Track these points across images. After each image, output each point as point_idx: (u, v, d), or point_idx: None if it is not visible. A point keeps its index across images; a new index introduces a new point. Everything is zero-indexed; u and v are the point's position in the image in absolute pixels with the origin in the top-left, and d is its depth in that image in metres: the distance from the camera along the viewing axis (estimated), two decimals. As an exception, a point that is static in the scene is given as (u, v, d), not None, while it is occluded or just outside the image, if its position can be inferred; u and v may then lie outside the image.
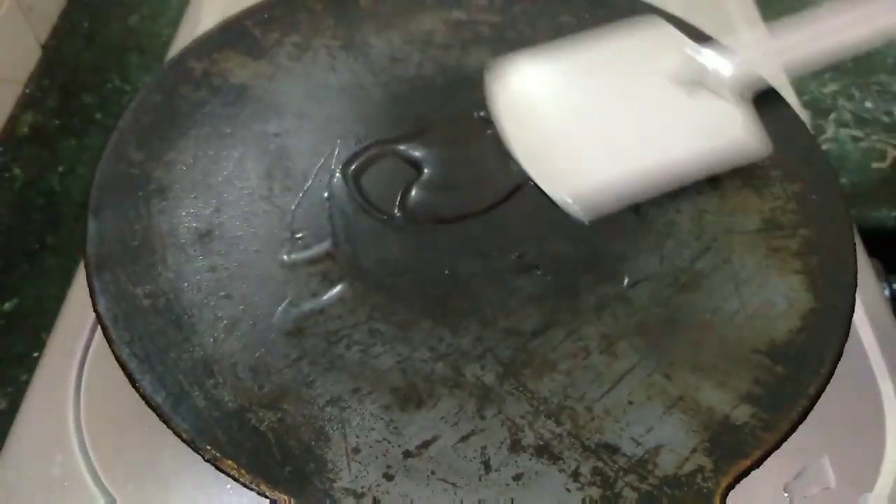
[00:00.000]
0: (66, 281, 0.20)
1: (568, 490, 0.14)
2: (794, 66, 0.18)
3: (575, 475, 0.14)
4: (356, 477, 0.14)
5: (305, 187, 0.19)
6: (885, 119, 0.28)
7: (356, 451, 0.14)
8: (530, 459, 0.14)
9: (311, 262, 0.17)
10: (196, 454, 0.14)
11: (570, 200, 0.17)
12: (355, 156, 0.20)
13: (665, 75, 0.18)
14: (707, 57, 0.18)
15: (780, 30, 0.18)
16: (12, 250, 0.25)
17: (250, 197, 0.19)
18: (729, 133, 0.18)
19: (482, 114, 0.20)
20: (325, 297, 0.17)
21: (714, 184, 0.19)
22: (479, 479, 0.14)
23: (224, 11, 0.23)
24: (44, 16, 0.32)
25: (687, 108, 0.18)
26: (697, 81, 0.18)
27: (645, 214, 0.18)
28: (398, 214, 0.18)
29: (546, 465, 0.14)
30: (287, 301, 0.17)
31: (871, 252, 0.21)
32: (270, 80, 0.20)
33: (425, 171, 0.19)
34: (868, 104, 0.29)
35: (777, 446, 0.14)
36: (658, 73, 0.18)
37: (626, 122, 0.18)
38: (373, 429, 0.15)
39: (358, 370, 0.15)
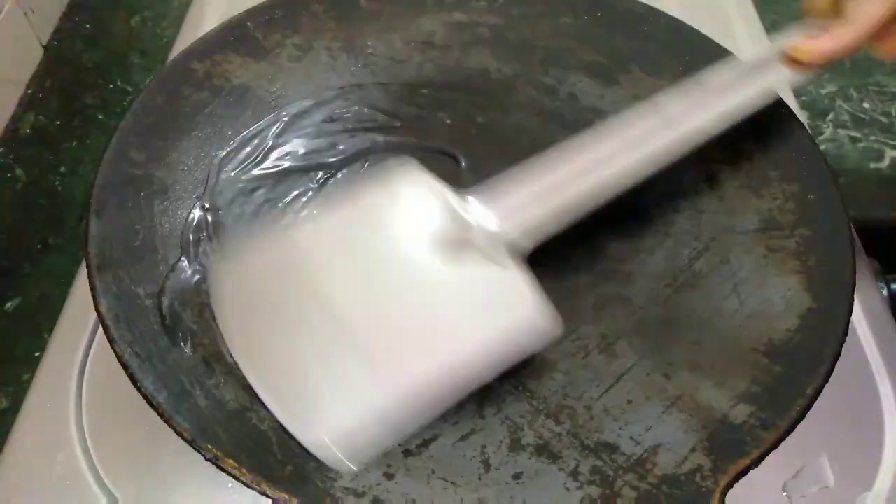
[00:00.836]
0: (68, 281, 0.21)
1: (567, 489, 0.14)
2: (565, 212, 0.14)
3: (574, 474, 0.14)
4: (357, 476, 0.14)
5: (306, 188, 0.19)
6: (883, 120, 0.29)
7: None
8: (530, 458, 0.14)
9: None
10: (197, 453, 0.14)
11: (326, 444, 0.12)
12: (357, 157, 0.20)
13: (426, 240, 0.13)
14: (471, 209, 0.14)
15: (544, 169, 0.14)
16: (14, 250, 0.26)
17: (252, 198, 0.19)
18: (510, 311, 0.13)
19: (480, 119, 0.20)
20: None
21: (712, 184, 0.19)
22: (479, 478, 0.14)
23: (226, 13, 0.23)
24: (45, 17, 0.33)
25: (457, 282, 0.13)
26: (464, 241, 0.13)
27: (644, 214, 0.18)
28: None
29: (545, 463, 0.14)
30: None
31: (869, 252, 0.21)
32: (272, 81, 0.21)
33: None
34: (866, 105, 0.29)
35: (776, 445, 0.14)
36: (417, 238, 0.13)
37: (383, 320, 0.13)
38: (373, 428, 0.15)
39: (358, 370, 0.16)
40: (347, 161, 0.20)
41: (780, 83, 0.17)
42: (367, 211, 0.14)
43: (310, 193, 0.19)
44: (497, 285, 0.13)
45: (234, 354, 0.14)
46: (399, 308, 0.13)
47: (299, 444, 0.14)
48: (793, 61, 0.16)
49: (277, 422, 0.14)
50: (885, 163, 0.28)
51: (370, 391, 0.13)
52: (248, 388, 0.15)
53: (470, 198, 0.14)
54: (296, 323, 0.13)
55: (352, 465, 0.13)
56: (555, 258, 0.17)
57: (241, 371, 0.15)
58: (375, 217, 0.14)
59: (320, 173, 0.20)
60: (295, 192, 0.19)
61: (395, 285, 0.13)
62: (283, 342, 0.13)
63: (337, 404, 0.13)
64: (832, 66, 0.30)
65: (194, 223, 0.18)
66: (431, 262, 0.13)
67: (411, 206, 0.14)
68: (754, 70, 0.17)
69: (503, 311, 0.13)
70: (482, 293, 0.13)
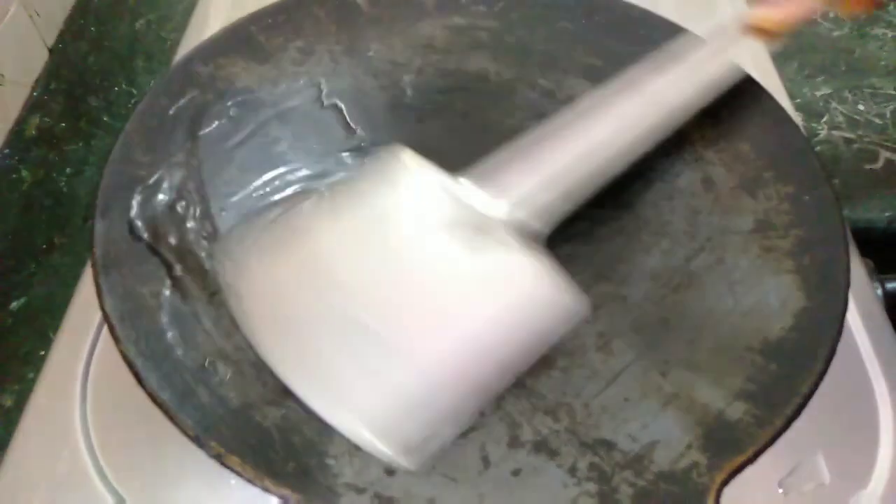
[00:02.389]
0: (73, 280, 0.21)
1: (565, 485, 0.14)
2: (574, 192, 0.13)
3: (572, 470, 0.14)
4: (358, 472, 0.14)
5: (308, 190, 0.19)
6: (878, 121, 0.29)
7: (358, 446, 0.14)
8: (528, 455, 0.15)
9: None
10: (201, 451, 0.14)
11: (367, 435, 0.12)
12: (359, 158, 0.20)
13: (438, 230, 0.13)
14: (474, 194, 0.13)
15: (552, 149, 0.14)
16: (20, 250, 0.26)
17: (255, 199, 0.19)
18: (531, 292, 0.13)
19: (479, 121, 0.20)
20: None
21: (708, 185, 0.19)
22: (479, 474, 0.14)
23: (229, 16, 0.23)
24: (50, 19, 0.33)
25: (474, 267, 0.13)
26: (476, 228, 0.13)
27: (640, 215, 0.18)
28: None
29: (544, 460, 0.14)
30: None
31: (864, 252, 0.21)
32: (275, 84, 0.21)
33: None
34: (860, 107, 0.29)
35: (771, 443, 0.14)
36: (425, 227, 0.13)
37: (404, 308, 0.12)
38: (374, 425, 0.15)
39: (360, 367, 0.16)
40: (345, 162, 0.20)
41: (746, 51, 0.16)
42: (376, 206, 0.14)
43: (311, 192, 0.19)
44: (513, 268, 0.13)
45: (259, 350, 0.13)
46: (418, 296, 0.13)
47: (302, 441, 0.14)
48: (760, 31, 0.16)
49: (280, 419, 0.14)
50: (880, 164, 0.28)
51: (399, 377, 0.12)
52: (252, 386, 0.15)
53: (470, 183, 0.14)
54: (318, 315, 0.13)
55: (406, 462, 0.12)
56: (552, 257, 0.18)
57: (245, 369, 0.15)
58: (386, 211, 0.14)
59: (321, 173, 0.20)
60: (295, 191, 0.19)
61: (414, 274, 0.13)
62: (308, 334, 0.13)
63: (369, 393, 0.12)
64: (827, 69, 0.30)
65: (195, 222, 0.18)
66: (447, 251, 0.13)
67: (419, 199, 0.14)
68: (721, 42, 0.17)
69: (523, 293, 0.13)
70: (500, 277, 0.13)
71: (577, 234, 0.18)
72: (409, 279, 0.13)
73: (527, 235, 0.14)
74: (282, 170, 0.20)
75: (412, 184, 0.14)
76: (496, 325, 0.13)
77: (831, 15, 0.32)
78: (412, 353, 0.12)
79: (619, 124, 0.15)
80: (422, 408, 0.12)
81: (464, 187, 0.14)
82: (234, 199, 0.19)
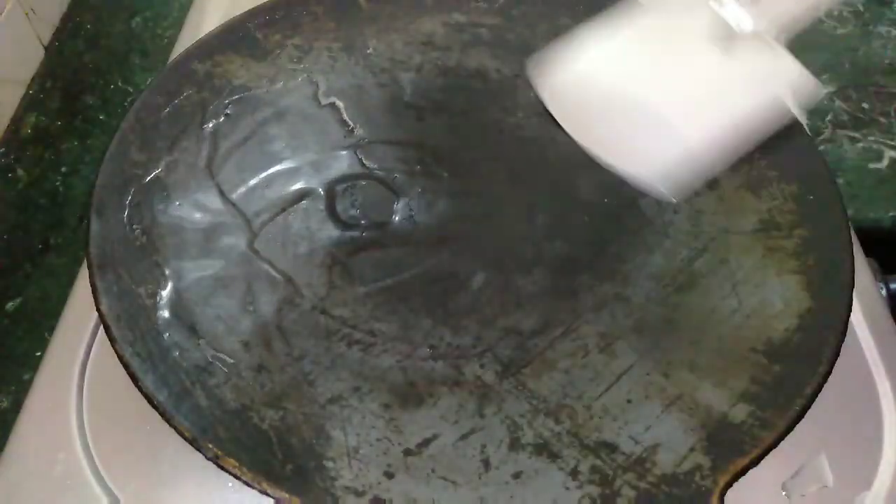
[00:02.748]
0: (69, 280, 0.20)
1: (567, 488, 0.14)
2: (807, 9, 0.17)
3: (574, 473, 0.14)
4: (357, 475, 0.14)
5: (307, 188, 0.19)
6: (882, 120, 0.29)
7: (357, 449, 0.14)
8: (529, 458, 0.14)
9: (311, 262, 0.17)
10: (198, 453, 0.14)
11: (657, 181, 0.17)
12: (357, 157, 0.20)
13: (699, 35, 0.17)
14: (729, 11, 0.17)
15: None
16: (16, 250, 0.25)
17: (252, 197, 0.19)
18: (777, 81, 0.17)
19: (479, 119, 0.20)
20: (326, 297, 0.17)
21: (712, 185, 0.19)
22: (479, 477, 0.14)
23: (226, 14, 0.23)
24: (46, 17, 0.33)
25: (730, 65, 0.17)
26: (730, 36, 0.17)
27: (643, 215, 0.18)
28: (397, 219, 0.18)
29: (545, 463, 0.14)
30: (287, 300, 0.17)
31: (868, 252, 0.21)
32: (272, 82, 0.21)
33: (425, 176, 0.19)
34: (865, 105, 0.29)
35: (775, 445, 0.14)
36: (692, 33, 0.18)
37: (682, 92, 0.18)
38: (373, 427, 0.15)
39: (359, 369, 0.16)
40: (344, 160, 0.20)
41: None
42: (646, 25, 0.18)
43: (311, 191, 0.19)
44: (765, 65, 0.17)
45: (568, 132, 0.18)
46: (691, 87, 0.17)
47: (300, 443, 0.14)
48: None
49: (278, 420, 0.14)
50: (884, 163, 0.28)
51: (679, 142, 0.17)
52: (249, 388, 0.15)
53: (728, 2, 0.18)
54: (615, 104, 0.18)
55: (671, 196, 0.17)
56: (555, 258, 0.18)
57: (242, 370, 0.15)
58: (656, 27, 0.18)
59: (319, 171, 0.20)
60: (295, 189, 0.19)
61: (686, 70, 0.18)
62: (609, 117, 0.18)
63: (656, 153, 0.17)
64: (831, 67, 0.30)
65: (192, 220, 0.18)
66: (711, 53, 0.17)
67: (684, 8, 0.18)
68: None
69: (772, 79, 0.17)
70: (756, 69, 0.17)
71: (580, 234, 0.18)
72: (685, 75, 0.18)
73: (775, 37, 0.17)
74: (279, 168, 0.19)
75: (677, 7, 0.18)
76: (752, 103, 0.17)
77: (835, 12, 0.31)
78: (684, 128, 0.17)
79: None
80: (687, 165, 0.17)
81: (722, 3, 0.18)
82: (232, 196, 0.19)
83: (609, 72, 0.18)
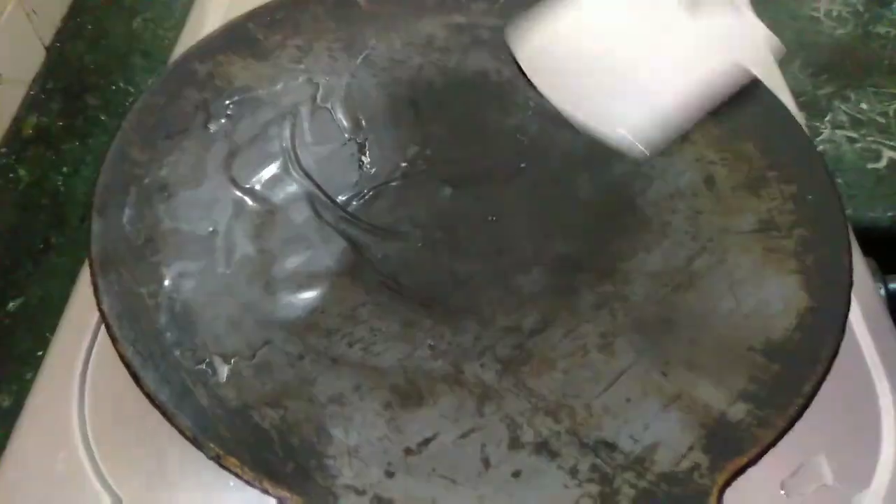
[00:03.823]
0: (71, 280, 0.20)
1: (566, 487, 0.14)
2: None
3: (573, 472, 0.14)
4: (358, 474, 0.14)
5: (307, 190, 0.19)
6: (881, 120, 0.29)
7: (357, 448, 0.14)
8: (529, 456, 0.14)
9: (314, 262, 0.18)
10: (200, 452, 0.14)
11: (629, 137, 0.18)
12: (357, 158, 0.20)
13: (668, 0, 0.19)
14: None
15: None
16: (17, 250, 0.26)
17: (253, 198, 0.19)
18: (742, 42, 0.18)
19: (479, 120, 0.20)
20: (328, 296, 0.17)
21: (710, 185, 0.19)
22: (479, 476, 0.14)
23: (227, 14, 0.23)
24: (48, 18, 0.33)
25: (696, 27, 0.18)
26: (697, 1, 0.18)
27: (642, 214, 0.18)
28: (396, 219, 0.18)
29: (545, 462, 0.14)
30: (289, 300, 0.17)
31: (867, 251, 0.21)
32: (273, 82, 0.21)
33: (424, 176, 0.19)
34: (863, 105, 0.29)
35: (773, 444, 0.14)
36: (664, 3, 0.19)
37: (652, 53, 0.19)
38: (374, 426, 0.15)
39: (359, 368, 0.16)
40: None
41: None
42: None
43: (311, 193, 0.19)
44: (730, 28, 0.18)
45: (542, 91, 0.19)
46: (660, 48, 0.19)
47: (301, 442, 0.14)
48: None
49: (279, 419, 0.14)
50: (883, 163, 0.28)
51: (649, 101, 0.18)
52: (250, 387, 0.15)
53: None
54: (587, 65, 0.19)
55: (645, 150, 0.18)
56: (554, 257, 0.18)
57: (243, 369, 0.15)
58: None
59: (318, 170, 0.20)
60: (295, 191, 0.19)
61: (655, 31, 0.19)
62: (583, 78, 0.19)
63: (628, 110, 0.18)
64: (830, 67, 0.30)
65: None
66: (679, 15, 0.18)
67: None
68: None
69: (738, 42, 0.18)
70: (722, 30, 0.18)
71: (580, 233, 0.18)
72: (653, 37, 0.19)
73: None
74: (280, 169, 0.19)
75: None
76: (718, 66, 0.18)
77: (834, 13, 0.32)
78: (654, 87, 0.18)
79: None
80: (657, 123, 0.18)
81: None
82: (234, 196, 0.19)
83: (582, 34, 0.19)
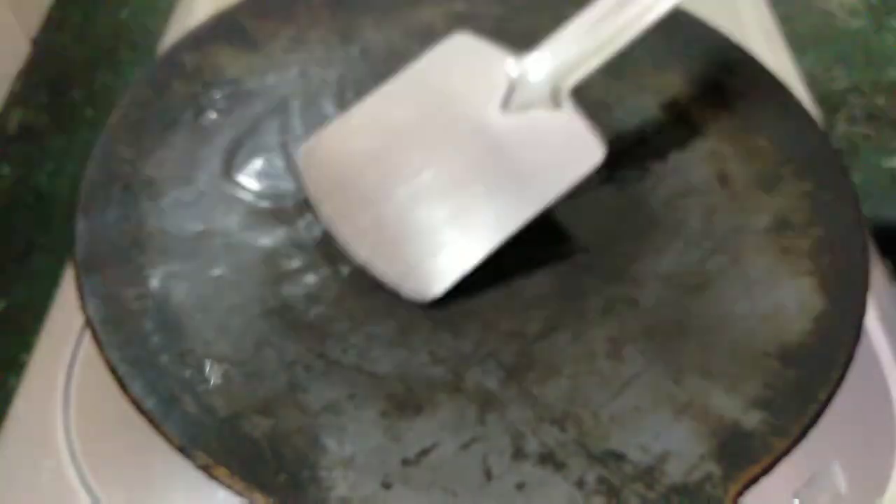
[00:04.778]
0: (55, 282, 0.20)
1: (572, 499, 0.14)
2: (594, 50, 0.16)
3: (580, 484, 0.14)
4: (353, 486, 0.13)
5: (300, 185, 0.18)
6: (896, 116, 0.28)
7: (353, 458, 0.14)
8: (533, 467, 0.14)
9: (308, 264, 0.17)
10: (188, 461, 0.13)
11: (410, 289, 0.15)
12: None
13: (485, 99, 0.16)
14: (514, 66, 0.16)
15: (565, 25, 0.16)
16: (0, 251, 0.25)
17: (245, 195, 0.18)
18: (567, 150, 0.15)
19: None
20: (322, 300, 0.16)
21: (723, 182, 0.18)
22: (480, 488, 0.14)
23: (217, 4, 0.22)
24: (33, 10, 0.32)
25: (516, 130, 0.15)
26: (514, 92, 0.15)
27: (653, 213, 0.18)
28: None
29: (550, 473, 0.14)
30: (282, 304, 0.16)
31: (884, 252, 0.20)
32: (265, 74, 0.20)
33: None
34: (879, 101, 0.28)
35: (788, 452, 0.14)
36: (477, 98, 0.16)
37: (457, 172, 0.15)
38: (370, 436, 0.14)
39: (354, 375, 0.15)
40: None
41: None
42: (424, 78, 0.16)
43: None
44: (551, 127, 0.16)
45: (327, 225, 0.16)
46: (470, 163, 0.15)
47: (293, 452, 0.13)
48: None
49: (270, 429, 0.14)
50: (899, 160, 0.27)
51: (461, 248, 0.15)
52: (240, 395, 0.14)
53: (513, 59, 0.16)
54: (380, 192, 0.15)
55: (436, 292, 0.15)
56: (560, 259, 0.17)
57: (233, 376, 0.14)
58: (434, 82, 0.16)
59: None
60: (289, 188, 0.18)
61: (463, 142, 0.16)
62: (371, 211, 0.15)
63: (434, 262, 0.15)
64: (844, 61, 0.30)
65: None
66: (491, 116, 0.15)
67: (468, 70, 0.16)
68: None
69: (561, 151, 0.15)
70: (539, 137, 0.16)
71: (588, 234, 0.17)
72: (461, 148, 0.16)
73: (560, 93, 0.16)
74: (273, 165, 0.19)
75: (460, 59, 0.16)
76: (542, 181, 0.15)
77: (848, 6, 0.31)
78: (471, 226, 0.15)
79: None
80: (461, 265, 0.15)
81: (509, 60, 0.16)
82: (225, 194, 0.18)
83: (378, 147, 0.15)
